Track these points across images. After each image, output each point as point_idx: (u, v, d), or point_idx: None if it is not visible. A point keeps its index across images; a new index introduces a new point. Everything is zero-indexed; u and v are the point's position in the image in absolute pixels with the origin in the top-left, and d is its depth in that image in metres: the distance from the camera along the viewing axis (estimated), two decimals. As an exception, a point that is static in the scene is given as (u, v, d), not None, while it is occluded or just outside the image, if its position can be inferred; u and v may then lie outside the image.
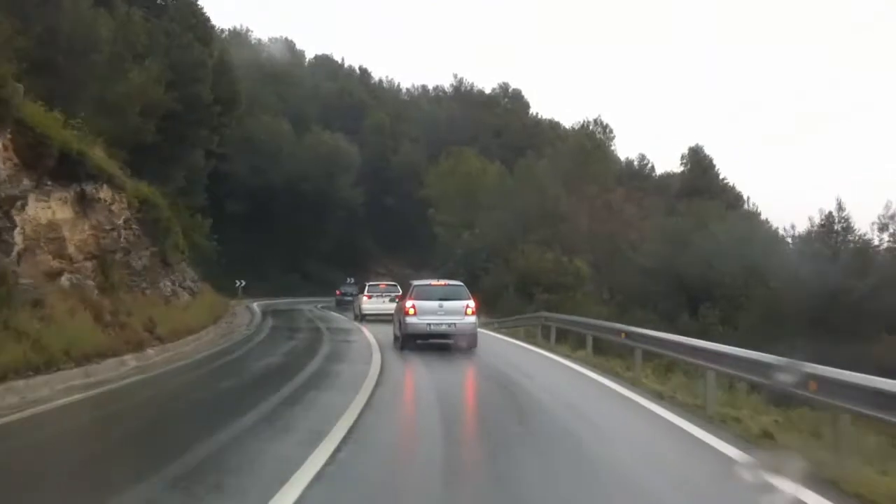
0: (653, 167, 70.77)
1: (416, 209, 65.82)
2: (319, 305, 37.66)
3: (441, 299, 15.29)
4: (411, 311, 15.14)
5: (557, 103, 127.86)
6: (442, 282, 17.23)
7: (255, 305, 36.88)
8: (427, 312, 15.09)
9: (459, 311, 15.13)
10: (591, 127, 62.09)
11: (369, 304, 25.36)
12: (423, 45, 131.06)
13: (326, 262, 59.70)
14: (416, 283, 16.45)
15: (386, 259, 66.44)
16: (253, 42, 72.04)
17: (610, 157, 62.40)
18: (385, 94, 78.17)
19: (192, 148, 27.52)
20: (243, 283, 45.32)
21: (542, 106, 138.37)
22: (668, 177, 67.67)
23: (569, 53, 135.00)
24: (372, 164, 66.11)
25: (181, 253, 25.26)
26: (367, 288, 26.57)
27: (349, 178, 60.16)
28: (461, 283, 16.91)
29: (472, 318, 15.27)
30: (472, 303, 15.41)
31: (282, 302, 43.59)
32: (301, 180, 56.26)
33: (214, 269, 44.93)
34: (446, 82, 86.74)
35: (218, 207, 52.78)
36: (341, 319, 27.67)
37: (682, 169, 65.46)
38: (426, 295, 15.44)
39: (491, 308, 37.32)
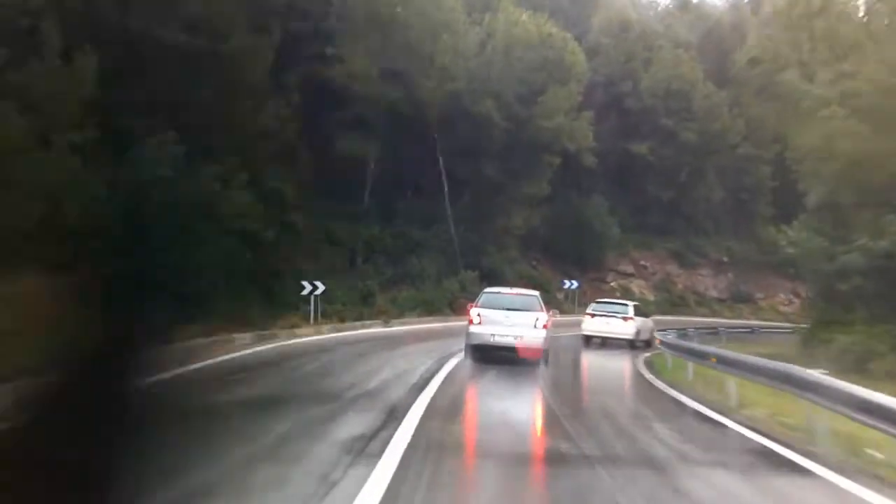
0: None
1: (690, 158, 37.64)
2: (450, 365, 11.53)
3: (509, 309, 13.95)
4: (476, 319, 13.96)
5: None
6: (514, 290, 15.76)
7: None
8: (492, 322, 13.78)
9: (528, 324, 13.70)
10: None
11: None
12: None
13: (525, 252, 32.88)
14: (486, 290, 15.60)
15: (634, 247, 38.21)
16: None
17: None
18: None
19: None
20: (320, 287, 19.96)
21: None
22: None
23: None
24: (607, 86, 38.42)
25: None
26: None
27: (568, 98, 32.40)
28: (535, 293, 15.21)
29: (543, 333, 13.71)
30: (543, 315, 13.91)
31: (363, 340, 17.34)
32: (479, 97, 29.80)
33: (270, 260, 20.32)
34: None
35: (320, 144, 28.14)
36: None
37: None
38: (494, 303, 14.18)
39: None
